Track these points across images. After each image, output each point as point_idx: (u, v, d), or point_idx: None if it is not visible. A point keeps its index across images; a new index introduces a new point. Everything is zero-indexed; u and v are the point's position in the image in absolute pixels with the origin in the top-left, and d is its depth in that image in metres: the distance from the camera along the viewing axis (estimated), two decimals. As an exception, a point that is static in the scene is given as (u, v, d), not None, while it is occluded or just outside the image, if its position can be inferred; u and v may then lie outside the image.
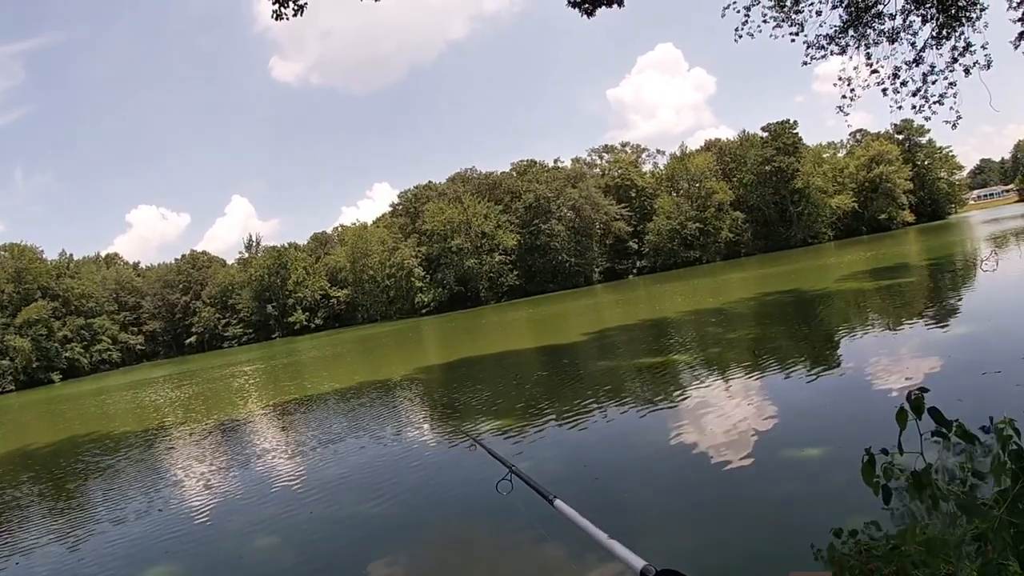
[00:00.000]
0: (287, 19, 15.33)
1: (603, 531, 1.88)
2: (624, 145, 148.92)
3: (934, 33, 18.89)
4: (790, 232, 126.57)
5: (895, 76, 19.46)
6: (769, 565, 7.21)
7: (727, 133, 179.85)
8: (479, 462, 13.33)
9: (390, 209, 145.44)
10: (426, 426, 19.36)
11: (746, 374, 18.29)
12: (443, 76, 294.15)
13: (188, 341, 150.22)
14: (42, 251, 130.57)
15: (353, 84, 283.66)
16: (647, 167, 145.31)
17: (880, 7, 19.18)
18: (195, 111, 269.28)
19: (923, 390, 3.72)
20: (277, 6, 14.86)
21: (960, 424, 3.72)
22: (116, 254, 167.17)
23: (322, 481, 14.45)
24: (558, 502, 2.50)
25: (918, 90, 19.29)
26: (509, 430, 16.19)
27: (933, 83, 19.13)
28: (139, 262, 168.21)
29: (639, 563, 1.46)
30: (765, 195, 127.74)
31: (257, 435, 22.88)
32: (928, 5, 18.71)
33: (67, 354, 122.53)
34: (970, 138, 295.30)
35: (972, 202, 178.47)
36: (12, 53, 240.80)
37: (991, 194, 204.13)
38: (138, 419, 33.72)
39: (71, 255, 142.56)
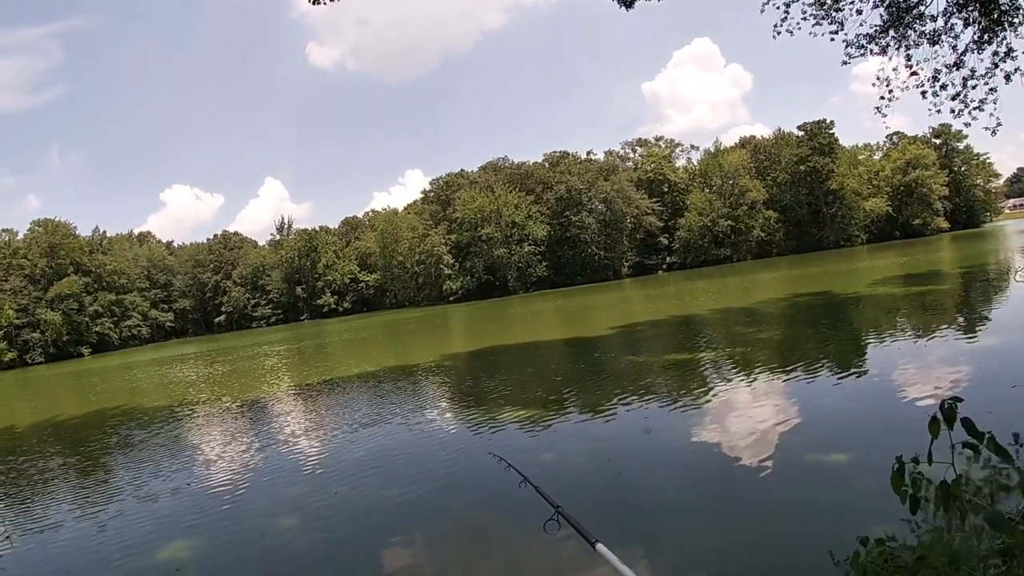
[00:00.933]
0: (325, 3, 15.40)
1: None
2: (658, 139, 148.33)
3: (976, 37, 18.64)
4: (823, 233, 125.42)
5: (935, 79, 19.24)
6: (791, 572, 7.19)
7: (762, 131, 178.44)
8: (503, 448, 13.41)
9: (421, 196, 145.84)
10: (452, 416, 19.41)
11: (773, 375, 18.20)
12: (477, 66, 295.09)
13: (217, 320, 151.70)
14: (76, 227, 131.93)
15: (388, 71, 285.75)
16: (680, 162, 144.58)
17: (922, 8, 18.96)
18: (231, 94, 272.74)
19: (956, 399, 3.70)
20: (316, -10, 14.93)
21: (992, 437, 3.70)
22: (149, 232, 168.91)
23: (346, 464, 14.55)
24: (600, 546, 2.50)
25: (958, 94, 19.06)
26: (534, 420, 16.23)
27: (973, 88, 18.90)
28: (172, 241, 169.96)
29: None
30: (799, 195, 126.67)
31: (284, 416, 23.07)
32: (971, 8, 18.48)
33: (97, 329, 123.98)
34: (1008, 145, 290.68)
35: (1008, 211, 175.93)
36: (50, 33, 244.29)
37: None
38: (166, 395, 34.09)
39: (104, 232, 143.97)
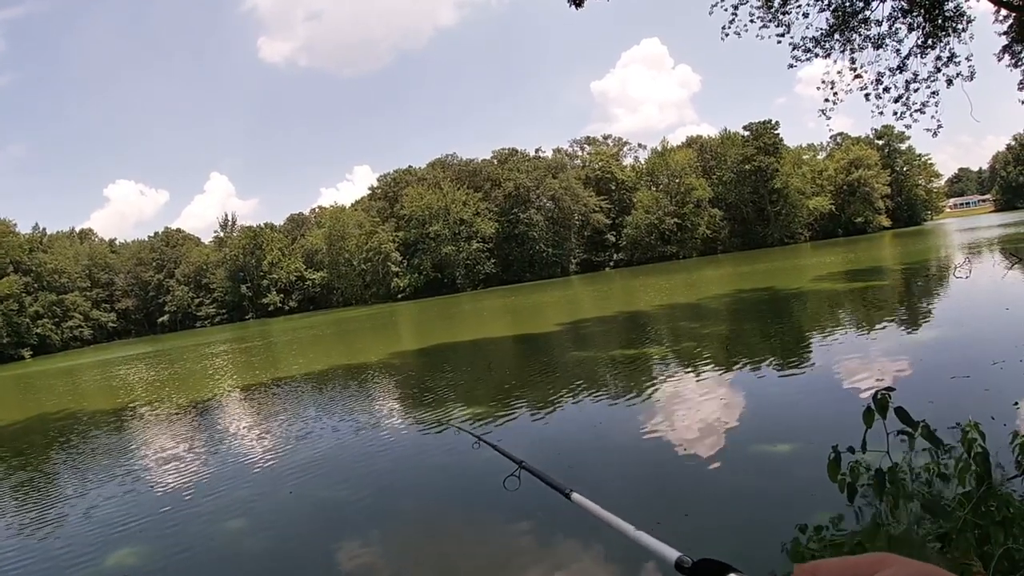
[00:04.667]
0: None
1: (629, 523, 1.87)
2: (606, 138, 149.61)
3: (919, 42, 19.07)
4: (767, 231, 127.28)
5: (878, 82, 19.66)
6: (737, 559, 7.31)
7: (709, 131, 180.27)
8: (458, 447, 13.44)
9: (369, 192, 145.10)
10: (403, 411, 19.39)
11: (718, 369, 18.43)
12: (430, 62, 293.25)
13: (161, 320, 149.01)
14: (15, 224, 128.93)
15: (341, 67, 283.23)
16: (628, 161, 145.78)
17: (867, 13, 19.33)
18: (178, 87, 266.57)
19: (889, 390, 3.81)
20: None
21: (926, 425, 3.81)
22: (91, 229, 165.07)
23: (295, 465, 14.43)
24: (575, 495, 2.48)
25: (900, 97, 19.49)
26: (483, 416, 16.26)
27: (916, 91, 19.34)
28: (115, 239, 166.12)
29: (673, 554, 1.46)
30: (744, 193, 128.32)
31: (230, 417, 22.85)
32: (915, 14, 18.87)
33: (38, 330, 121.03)
34: (949, 146, 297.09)
35: (949, 210, 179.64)
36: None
37: (968, 203, 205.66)
38: (110, 398, 33.49)
39: (44, 229, 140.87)
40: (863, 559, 0.66)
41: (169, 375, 42.48)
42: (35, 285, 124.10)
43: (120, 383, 41.44)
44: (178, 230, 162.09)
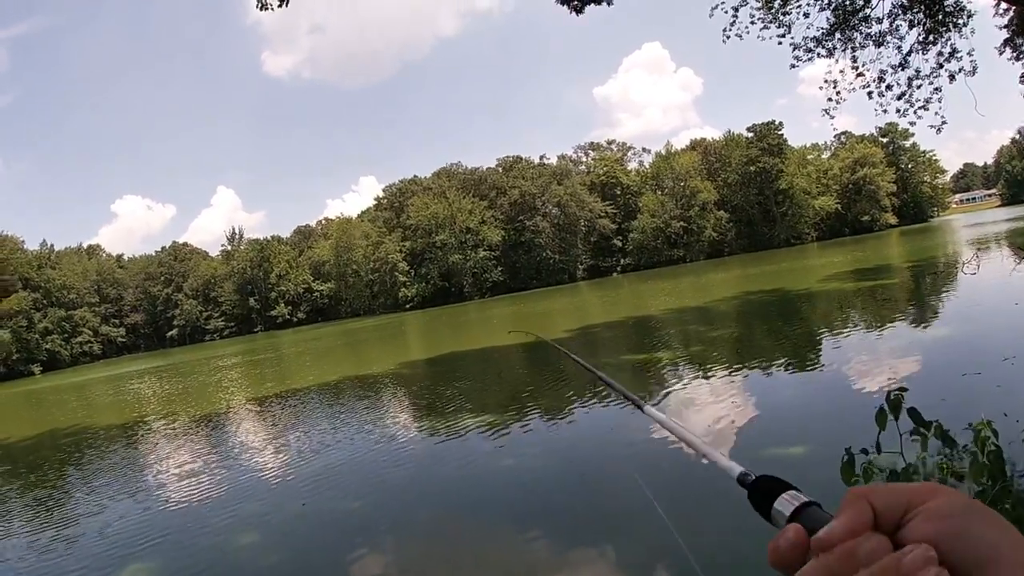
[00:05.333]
0: (272, 9, 15.34)
1: (697, 437, 1.89)
2: (610, 143, 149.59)
3: (920, 38, 19.02)
4: (773, 232, 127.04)
5: (881, 80, 19.60)
6: (752, 564, 7.29)
7: (712, 133, 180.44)
8: (472, 456, 13.44)
9: (375, 203, 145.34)
10: (415, 421, 19.39)
11: (728, 372, 18.36)
12: (432, 72, 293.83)
13: (170, 334, 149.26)
14: (23, 241, 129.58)
15: (344, 79, 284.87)
16: (632, 165, 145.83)
17: (867, 11, 19.29)
18: (183, 102, 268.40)
19: (902, 390, 3.80)
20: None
21: (939, 425, 3.80)
22: (98, 245, 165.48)
23: (308, 477, 14.42)
24: (648, 407, 2.52)
25: (903, 94, 19.43)
26: (494, 424, 16.23)
27: (918, 88, 19.28)
28: (123, 254, 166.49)
29: (737, 468, 1.48)
30: (749, 195, 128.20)
31: (242, 430, 22.84)
32: (915, 10, 18.84)
33: (47, 346, 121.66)
34: (953, 142, 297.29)
35: (954, 206, 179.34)
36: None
37: (973, 198, 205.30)
38: (120, 413, 33.55)
39: (52, 245, 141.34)
40: (915, 487, 0.69)
41: (180, 389, 42.54)
42: (44, 301, 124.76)
43: (131, 397, 41.55)
44: (185, 244, 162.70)
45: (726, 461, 1.84)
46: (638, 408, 2.76)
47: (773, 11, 19.11)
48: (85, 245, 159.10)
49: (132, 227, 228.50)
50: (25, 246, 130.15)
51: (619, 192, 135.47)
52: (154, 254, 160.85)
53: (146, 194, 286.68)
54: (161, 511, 13.66)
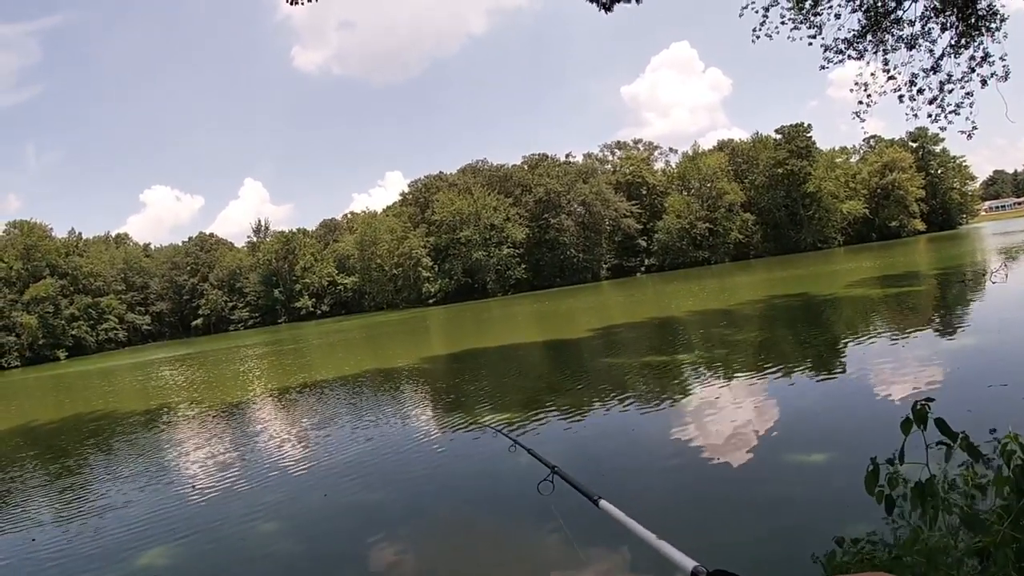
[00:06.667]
0: (302, 3, 15.35)
1: (651, 532, 1.91)
2: (637, 142, 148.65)
3: (952, 42, 18.79)
4: (800, 236, 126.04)
5: (912, 83, 19.36)
6: (771, 569, 7.23)
7: (740, 134, 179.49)
8: (492, 452, 13.42)
9: (400, 198, 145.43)
10: (435, 415, 19.43)
11: (752, 376, 18.28)
12: (460, 69, 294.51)
13: (194, 323, 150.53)
14: (51, 228, 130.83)
15: (373, 75, 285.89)
16: (659, 165, 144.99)
17: (899, 13, 19.10)
18: (213, 95, 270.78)
19: (929, 400, 3.73)
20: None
21: (966, 436, 3.74)
22: (126, 234, 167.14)
23: (329, 468, 14.52)
24: (603, 503, 2.55)
25: (935, 99, 19.20)
26: (515, 421, 16.25)
27: (950, 92, 19.05)
28: (150, 243, 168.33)
29: (689, 564, 1.48)
30: (776, 198, 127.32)
31: (264, 420, 22.97)
32: (948, 13, 18.63)
33: (73, 332, 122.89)
34: (984, 149, 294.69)
35: (984, 213, 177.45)
36: (28, 31, 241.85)
37: (1003, 206, 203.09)
38: (145, 399, 33.86)
39: (80, 233, 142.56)
40: None
41: (204, 377, 42.91)
42: (71, 288, 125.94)
43: (156, 384, 41.93)
44: (212, 235, 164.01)
45: (680, 556, 1.84)
46: (593, 503, 2.79)
47: (804, 12, 18.94)
48: (113, 234, 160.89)
49: (161, 217, 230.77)
50: (53, 234, 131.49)
51: (645, 192, 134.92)
52: (181, 244, 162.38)
53: (175, 185, 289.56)
54: (184, 497, 13.78)
